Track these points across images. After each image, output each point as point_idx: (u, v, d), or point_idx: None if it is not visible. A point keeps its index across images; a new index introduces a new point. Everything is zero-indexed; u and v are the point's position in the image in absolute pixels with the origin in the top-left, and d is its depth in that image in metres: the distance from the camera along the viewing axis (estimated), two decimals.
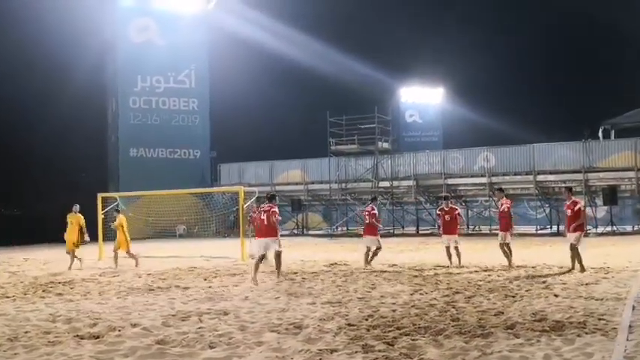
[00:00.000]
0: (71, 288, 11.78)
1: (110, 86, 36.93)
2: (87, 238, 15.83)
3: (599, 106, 37.45)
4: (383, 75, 46.06)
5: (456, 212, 14.63)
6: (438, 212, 14.74)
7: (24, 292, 11.28)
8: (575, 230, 12.46)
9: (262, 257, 12.51)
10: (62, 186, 33.90)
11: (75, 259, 15.46)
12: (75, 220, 15.66)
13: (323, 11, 43.42)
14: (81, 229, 15.61)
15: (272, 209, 12.18)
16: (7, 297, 10.74)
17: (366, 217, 14.91)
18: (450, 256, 14.20)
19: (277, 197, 14.94)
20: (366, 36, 49.53)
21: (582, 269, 12.28)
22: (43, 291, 11.41)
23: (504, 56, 46.56)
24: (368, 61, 43.75)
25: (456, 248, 14.23)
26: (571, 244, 12.43)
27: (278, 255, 12.32)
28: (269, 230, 12.13)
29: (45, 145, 34.48)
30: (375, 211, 15.06)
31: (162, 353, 6.43)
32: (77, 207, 15.92)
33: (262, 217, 12.23)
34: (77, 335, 7.30)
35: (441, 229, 14.60)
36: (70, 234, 15.51)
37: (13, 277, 14.04)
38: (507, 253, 13.83)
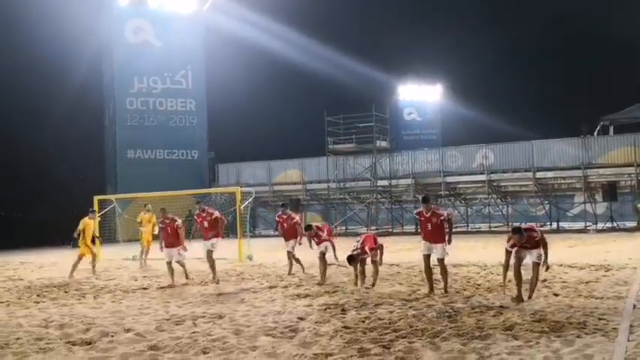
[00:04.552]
0: (66, 292, 11.66)
1: (107, 88, 36.80)
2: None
3: (598, 102, 37.38)
4: (380, 73, 45.91)
5: None
6: None
7: (18, 297, 11.16)
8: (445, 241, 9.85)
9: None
10: (60, 188, 33.84)
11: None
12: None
13: (319, 10, 43.30)
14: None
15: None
16: (1, 302, 10.60)
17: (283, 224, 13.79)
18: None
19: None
20: (364, 34, 49.47)
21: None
22: (38, 295, 11.29)
23: (503, 53, 46.44)
24: (365, 59, 43.62)
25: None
26: (440, 257, 9.88)
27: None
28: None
29: (43, 147, 34.40)
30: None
31: (154, 359, 6.31)
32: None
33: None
34: (69, 341, 7.19)
35: None
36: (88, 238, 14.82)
37: (9, 282, 13.91)
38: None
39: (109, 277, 14.11)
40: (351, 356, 6.14)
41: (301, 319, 8.07)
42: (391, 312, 8.37)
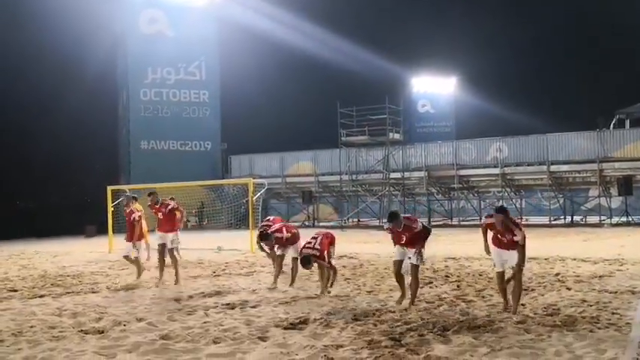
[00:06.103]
0: (79, 281, 11.77)
1: (121, 78, 36.94)
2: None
3: (614, 96, 36.96)
4: (394, 65, 45.63)
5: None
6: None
7: (32, 286, 11.27)
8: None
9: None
10: (74, 179, 34.09)
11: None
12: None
13: (333, 1, 43.10)
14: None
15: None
16: (16, 291, 10.71)
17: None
18: None
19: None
20: (378, 25, 49.24)
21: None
22: (52, 285, 11.40)
23: (517, 45, 46.02)
24: (379, 51, 43.39)
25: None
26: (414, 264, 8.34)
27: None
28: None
29: (57, 138, 34.60)
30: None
31: (165, 349, 6.34)
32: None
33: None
34: (82, 330, 7.25)
35: None
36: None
37: (23, 271, 14.06)
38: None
39: (122, 266, 14.20)
40: (362, 348, 6.13)
41: (312, 310, 8.08)
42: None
